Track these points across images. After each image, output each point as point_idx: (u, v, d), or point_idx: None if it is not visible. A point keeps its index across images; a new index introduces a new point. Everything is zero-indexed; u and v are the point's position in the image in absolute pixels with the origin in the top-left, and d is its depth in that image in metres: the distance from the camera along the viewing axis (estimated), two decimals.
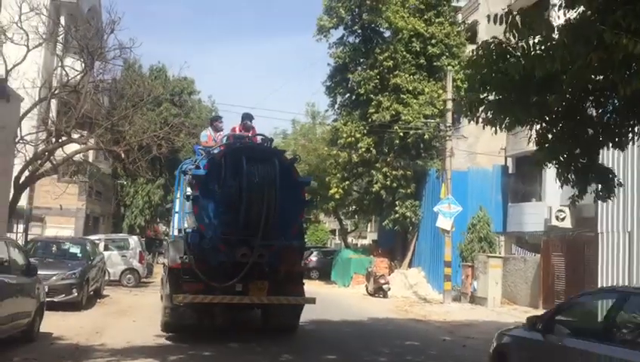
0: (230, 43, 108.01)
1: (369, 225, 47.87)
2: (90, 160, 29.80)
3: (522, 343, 6.87)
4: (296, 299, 10.72)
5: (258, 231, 9.75)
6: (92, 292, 16.58)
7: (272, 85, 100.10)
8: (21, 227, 25.63)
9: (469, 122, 8.32)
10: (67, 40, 21.15)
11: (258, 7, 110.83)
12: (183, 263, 10.37)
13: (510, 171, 25.27)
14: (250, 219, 9.83)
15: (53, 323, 12.10)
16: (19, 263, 9.34)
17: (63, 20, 24.17)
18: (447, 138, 21.38)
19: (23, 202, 26.40)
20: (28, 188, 26.63)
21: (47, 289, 13.41)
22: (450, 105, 21.72)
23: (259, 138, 11.56)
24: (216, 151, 10.64)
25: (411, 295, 24.55)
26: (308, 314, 15.24)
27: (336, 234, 60.19)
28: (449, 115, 21.77)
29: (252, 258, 9.86)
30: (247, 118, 11.84)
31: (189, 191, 10.64)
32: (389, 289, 23.58)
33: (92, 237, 21.96)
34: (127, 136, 20.23)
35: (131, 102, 21.19)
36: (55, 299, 13.70)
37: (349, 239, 43.35)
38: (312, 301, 10.96)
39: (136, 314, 14.72)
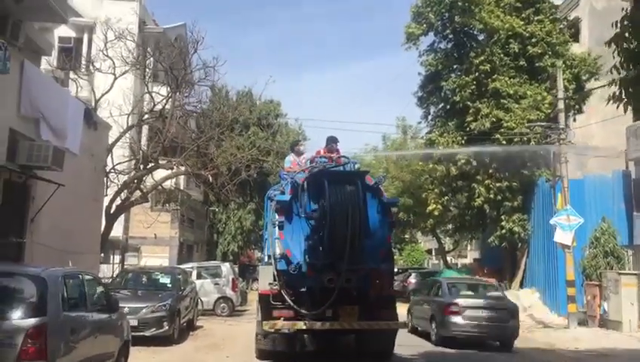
0: (314, 69, 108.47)
1: (469, 243, 45.17)
2: (182, 187, 29.79)
3: None
4: (388, 324, 10.44)
5: (344, 255, 9.48)
6: (185, 324, 15.75)
7: (358, 106, 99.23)
8: (117, 258, 25.67)
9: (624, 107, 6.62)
10: (154, 66, 20.93)
11: (341, 33, 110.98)
12: (272, 289, 10.33)
13: (634, 176, 22.37)
14: (335, 243, 9.62)
15: (143, 361, 11.21)
16: (98, 297, 8.41)
17: (149, 50, 24.18)
18: (562, 141, 19.06)
19: (118, 232, 26.65)
20: (123, 219, 26.99)
21: (137, 323, 12.70)
22: (561, 105, 19.45)
23: (342, 160, 11.23)
24: (300, 175, 10.52)
25: (526, 318, 22.04)
26: (417, 344, 13.74)
27: (433, 253, 57.64)
28: (561, 115, 19.51)
29: (339, 283, 9.66)
30: (331, 141, 11.59)
31: (275, 217, 10.47)
32: None
33: (184, 266, 21.37)
34: (215, 160, 19.57)
35: (218, 126, 20.64)
36: (146, 333, 12.88)
37: (448, 259, 40.87)
38: (404, 325, 10.90)
39: (229, 346, 13.64)
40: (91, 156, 16.52)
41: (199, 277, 21.28)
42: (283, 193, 10.46)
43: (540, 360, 13.02)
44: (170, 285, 14.55)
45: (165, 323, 13.13)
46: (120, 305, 12.94)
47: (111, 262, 24.62)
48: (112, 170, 19.09)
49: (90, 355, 7.65)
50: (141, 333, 12.80)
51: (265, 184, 29.94)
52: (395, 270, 44.21)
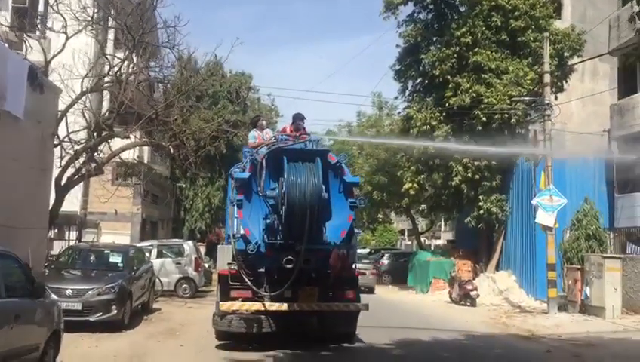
0: (289, 48, 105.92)
1: (443, 224, 44.46)
2: (145, 161, 28.22)
3: None
4: (347, 306, 10.35)
5: (302, 235, 9.27)
6: (141, 306, 14.46)
7: (333, 84, 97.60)
8: (74, 234, 24.12)
9: None
10: (115, 26, 19.15)
11: (316, 12, 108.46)
12: (231, 269, 10.30)
13: (617, 156, 21.57)
14: (293, 223, 9.43)
15: (82, 351, 9.95)
16: (17, 281, 7.06)
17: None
18: (546, 118, 18.05)
19: (75, 207, 25.08)
20: (80, 193, 25.38)
21: (80, 307, 11.39)
22: (547, 78, 18.42)
23: (305, 138, 10.74)
24: (262, 152, 10.12)
25: (502, 302, 21.40)
26: (392, 332, 12.73)
27: (406, 234, 56.98)
28: (547, 90, 18.49)
29: (297, 264, 9.50)
30: (297, 118, 11.26)
31: (235, 195, 10.23)
32: (478, 296, 20.49)
33: (143, 244, 19.98)
34: (178, 130, 18.09)
35: (183, 94, 19.14)
36: (90, 319, 11.62)
37: (422, 240, 40.05)
38: (365, 307, 10.46)
39: (186, 333, 12.42)
40: (37, 122, 14.92)
41: (160, 255, 19.97)
42: (244, 170, 10.25)
43: (521, 348, 12.02)
44: (121, 264, 13.18)
45: (114, 307, 11.84)
46: (62, 286, 11.73)
47: (66, 238, 23.05)
48: (67, 140, 17.52)
49: (4, 350, 6.33)
50: (85, 318, 11.55)
51: (234, 159, 28.50)
52: (367, 251, 44.04)
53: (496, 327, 15.36)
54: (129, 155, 25.62)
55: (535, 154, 22.07)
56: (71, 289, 11.68)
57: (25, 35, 19.76)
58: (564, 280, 18.81)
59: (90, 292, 11.76)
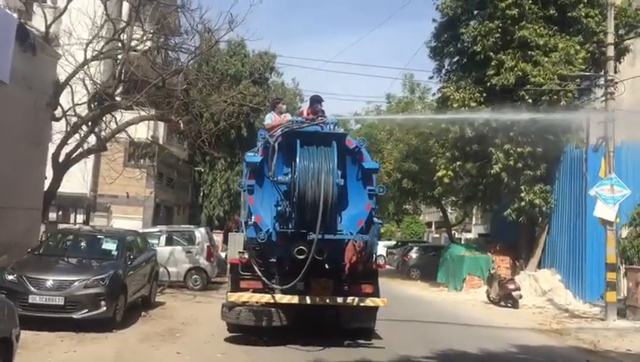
0: (313, 37, 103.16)
1: (474, 216, 42.10)
2: (161, 142, 26.57)
3: None
4: (363, 301, 9.74)
5: (315, 224, 8.74)
6: (140, 300, 12.69)
7: (358, 77, 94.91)
8: (81, 217, 22.54)
9: None
10: None
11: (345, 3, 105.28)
12: (241, 258, 9.90)
13: None
14: (305, 211, 8.90)
15: (54, 358, 8.13)
16: None
17: None
18: (609, 97, 15.76)
19: (85, 189, 23.53)
20: (90, 173, 23.80)
21: (63, 302, 9.61)
22: (611, 51, 16.10)
23: (321, 120, 10.14)
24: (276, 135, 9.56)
25: (545, 304, 19.24)
26: (429, 339, 10.96)
27: (433, 226, 54.61)
28: (610, 64, 16.17)
29: (310, 254, 8.88)
30: (315, 100, 10.58)
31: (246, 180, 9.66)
32: (521, 297, 18.35)
33: (150, 229, 18.25)
34: (190, 105, 16.26)
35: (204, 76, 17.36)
36: (74, 316, 9.82)
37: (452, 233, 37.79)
38: (382, 303, 9.93)
39: (188, 336, 10.59)
40: (29, 89, 13.25)
41: (169, 243, 18.22)
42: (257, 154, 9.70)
43: None
44: (115, 252, 11.32)
45: (102, 303, 10.04)
46: (41, 277, 9.94)
47: (72, 222, 21.46)
48: (71, 113, 15.83)
49: None
50: (68, 315, 9.76)
51: (255, 143, 26.75)
52: (393, 243, 41.99)
53: (550, 336, 13.24)
54: (142, 135, 24.01)
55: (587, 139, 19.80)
56: (52, 280, 9.94)
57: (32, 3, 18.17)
58: (620, 283, 16.60)
59: (75, 284, 9.98)
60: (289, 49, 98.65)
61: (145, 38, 15.58)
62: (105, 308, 10.04)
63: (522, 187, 21.22)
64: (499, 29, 21.04)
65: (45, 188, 15.29)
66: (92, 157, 21.66)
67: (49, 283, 9.88)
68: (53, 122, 16.55)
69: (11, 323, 6.26)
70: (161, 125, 26.23)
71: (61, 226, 20.75)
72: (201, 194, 34.99)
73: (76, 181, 21.19)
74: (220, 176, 33.60)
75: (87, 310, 9.87)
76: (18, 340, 6.41)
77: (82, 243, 11.92)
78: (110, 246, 11.46)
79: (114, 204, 25.13)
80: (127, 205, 25.08)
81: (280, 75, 39.68)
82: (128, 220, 24.22)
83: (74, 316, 9.78)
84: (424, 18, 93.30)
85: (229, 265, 10.80)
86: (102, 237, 11.95)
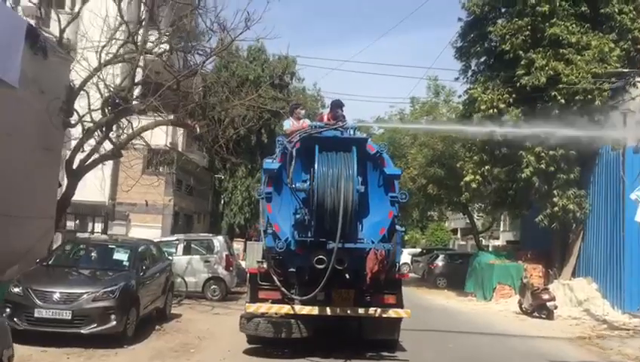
0: (338, 46, 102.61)
1: (503, 223, 40.93)
2: (180, 148, 26.13)
3: None
4: (386, 311, 9.44)
5: (335, 232, 8.44)
6: (155, 313, 12.09)
7: (380, 79, 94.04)
8: (100, 226, 22.12)
9: None
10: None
11: (366, 9, 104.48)
12: (260, 268, 9.76)
13: None
14: (324, 219, 8.62)
15: None
16: None
17: None
18: None
19: (103, 197, 23.15)
20: (109, 181, 23.41)
21: (70, 316, 9.03)
22: None
23: (342, 125, 9.81)
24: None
25: (582, 315, 18.21)
26: (458, 353, 10.58)
27: (459, 233, 53.44)
28: None
29: (329, 264, 8.58)
30: (336, 105, 10.40)
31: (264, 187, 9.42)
32: (556, 307, 17.38)
33: (168, 238, 17.71)
34: (208, 110, 15.71)
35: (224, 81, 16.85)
36: (82, 331, 9.22)
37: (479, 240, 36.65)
38: (406, 314, 9.62)
39: (203, 352, 9.97)
40: (41, 93, 12.79)
41: (186, 252, 17.65)
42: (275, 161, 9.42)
43: None
44: (127, 263, 10.72)
45: (113, 316, 9.44)
46: (48, 289, 9.36)
47: (90, 230, 21.04)
48: (87, 119, 15.36)
49: None
50: (76, 330, 9.17)
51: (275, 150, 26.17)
52: (419, 250, 41.02)
53: (590, 350, 12.33)
54: (161, 141, 23.57)
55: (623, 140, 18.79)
56: (59, 293, 9.36)
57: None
58: None
59: (83, 297, 9.39)
60: (310, 53, 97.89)
61: (160, 40, 15.05)
62: (115, 322, 9.44)
63: (555, 191, 20.23)
64: (528, 27, 20.15)
65: (59, 196, 14.83)
66: (110, 164, 21.28)
67: (56, 296, 9.32)
68: (69, 128, 16.15)
69: (3, 344, 5.65)
70: (180, 131, 25.81)
71: (79, 235, 20.40)
72: (222, 201, 34.54)
73: (94, 189, 20.82)
74: (241, 184, 33.10)
75: (96, 324, 9.27)
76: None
77: (93, 254, 11.33)
78: (122, 256, 10.86)
79: (132, 213, 24.73)
80: (146, 213, 24.66)
81: (301, 81, 39.19)
82: (147, 228, 23.82)
83: (82, 331, 9.20)
84: (448, 20, 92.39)
85: (247, 275, 10.55)
86: (113, 247, 11.34)
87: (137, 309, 10.29)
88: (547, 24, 19.88)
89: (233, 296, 18.06)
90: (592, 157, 20.30)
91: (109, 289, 9.61)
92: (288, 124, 10.46)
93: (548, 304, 17.27)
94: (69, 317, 9.16)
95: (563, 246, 21.76)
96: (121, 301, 9.62)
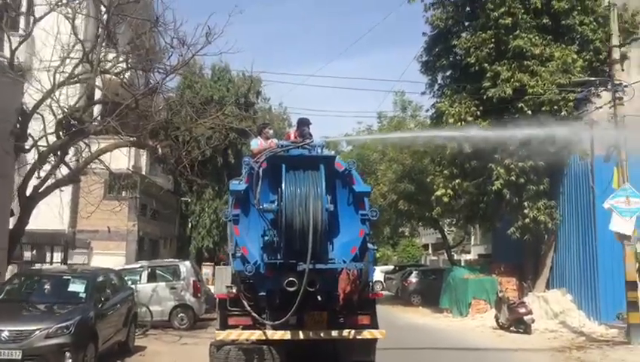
0: (301, 66, 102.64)
1: (473, 237, 40.85)
2: (143, 172, 25.32)
3: None
4: (361, 333, 9.16)
5: (305, 253, 8.19)
6: (117, 346, 11.33)
7: (346, 96, 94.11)
8: (58, 256, 21.11)
9: None
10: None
11: (328, 31, 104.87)
12: (229, 293, 9.31)
13: None
14: (294, 240, 8.33)
15: None
16: None
17: None
18: (618, 102, 14.77)
19: (62, 225, 22.17)
20: (69, 209, 22.45)
21: (20, 356, 8.25)
22: (617, 53, 15.19)
23: (309, 143, 9.61)
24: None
25: (558, 327, 18.04)
26: None
27: (430, 249, 53.30)
28: (617, 67, 15.22)
29: (301, 286, 8.32)
30: (302, 123, 10.18)
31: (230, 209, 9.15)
32: (533, 321, 17.13)
33: (131, 265, 16.92)
34: (170, 131, 15.09)
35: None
36: None
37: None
38: (381, 335, 9.31)
39: None
40: None
41: (152, 279, 16.85)
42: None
43: None
44: (83, 294, 9.99)
45: (67, 354, 8.74)
46: None
47: (48, 261, 20.03)
48: (43, 143, 14.56)
49: None
50: None
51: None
52: (391, 267, 40.61)
53: None
54: (123, 165, 22.76)
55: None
56: (8, 330, 8.59)
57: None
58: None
59: (35, 334, 8.65)
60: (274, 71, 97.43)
61: (118, 59, 14.42)
62: (71, 361, 8.68)
63: (525, 203, 20.13)
64: (492, 40, 20.19)
65: (12, 225, 13.95)
66: (69, 190, 20.37)
67: (4, 335, 8.55)
68: (23, 154, 15.32)
69: None
70: (144, 154, 25.02)
71: (37, 266, 19.38)
72: (189, 225, 33.65)
73: (52, 216, 19.84)
74: (208, 206, 32.30)
75: None
76: None
77: (46, 286, 10.54)
78: (78, 287, 10.10)
79: (94, 240, 23.71)
80: (109, 240, 23.68)
81: (267, 101, 38.79)
82: (110, 256, 22.85)
83: None
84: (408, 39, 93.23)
85: (217, 301, 10.25)
86: (69, 277, 10.57)
87: (96, 345, 9.56)
88: (510, 36, 19.93)
89: (202, 324, 17.29)
90: (561, 168, 20.29)
91: (64, 324, 8.89)
92: (256, 144, 10.11)
93: (525, 318, 17.01)
94: (19, 357, 8.42)
95: (536, 258, 21.61)
96: (77, 337, 8.91)
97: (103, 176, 20.35)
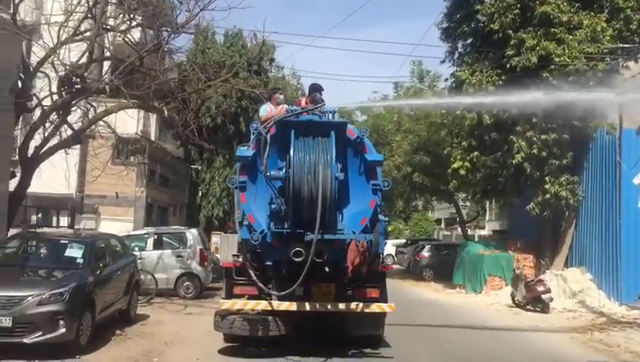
0: (319, 37, 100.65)
1: (488, 212, 40.04)
2: (152, 137, 24.77)
3: None
4: (369, 306, 9.04)
5: (313, 223, 7.94)
6: (118, 315, 10.87)
7: (362, 61, 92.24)
8: (65, 220, 20.73)
9: None
10: None
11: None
12: (235, 262, 9.25)
13: None
14: (302, 209, 8.12)
15: None
16: None
17: None
18: None
19: (70, 189, 21.74)
20: (76, 172, 21.98)
21: (10, 324, 7.78)
22: None
23: (320, 110, 9.38)
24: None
25: (577, 307, 17.36)
26: (451, 352, 10.02)
27: (443, 223, 52.61)
28: None
29: (308, 257, 8.11)
30: (314, 89, 9.88)
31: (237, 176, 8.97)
32: (552, 300, 16.47)
33: (136, 231, 16.44)
34: (177, 93, 14.41)
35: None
36: (25, 340, 7.95)
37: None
38: (390, 309, 9.18)
39: (168, 360, 8.75)
40: None
41: (158, 246, 16.40)
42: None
43: None
44: (80, 260, 9.46)
45: (61, 323, 8.20)
46: None
47: (55, 225, 19.64)
48: (47, 102, 13.98)
49: None
50: (18, 340, 7.92)
51: None
52: (403, 241, 40.07)
53: (597, 349, 11.35)
54: (132, 130, 22.22)
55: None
56: None
57: None
58: None
59: (27, 301, 8.13)
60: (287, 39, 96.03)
61: (124, 16, 13.72)
62: (64, 330, 8.20)
63: (547, 178, 19.32)
64: (518, 5, 19.14)
65: (13, 188, 13.47)
66: (75, 154, 19.86)
67: None
68: (26, 113, 14.77)
69: None
70: (153, 119, 24.44)
71: (45, 230, 19.01)
72: (199, 193, 33.18)
73: (59, 180, 19.40)
74: (219, 174, 31.72)
75: (41, 332, 8.02)
76: None
77: (42, 251, 10.06)
78: (75, 252, 9.56)
79: (102, 205, 23.30)
80: (117, 206, 23.26)
81: (280, 69, 37.93)
82: (118, 222, 22.50)
83: (25, 340, 7.94)
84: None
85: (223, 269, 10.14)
86: (66, 242, 10.03)
87: (93, 313, 9.05)
88: (537, 2, 18.91)
89: (209, 293, 16.87)
90: (586, 141, 19.42)
91: (58, 290, 8.36)
92: (265, 110, 9.86)
93: (543, 296, 16.36)
94: (10, 325, 7.90)
95: (555, 235, 20.87)
96: (71, 304, 8.38)
97: (110, 139, 19.82)
